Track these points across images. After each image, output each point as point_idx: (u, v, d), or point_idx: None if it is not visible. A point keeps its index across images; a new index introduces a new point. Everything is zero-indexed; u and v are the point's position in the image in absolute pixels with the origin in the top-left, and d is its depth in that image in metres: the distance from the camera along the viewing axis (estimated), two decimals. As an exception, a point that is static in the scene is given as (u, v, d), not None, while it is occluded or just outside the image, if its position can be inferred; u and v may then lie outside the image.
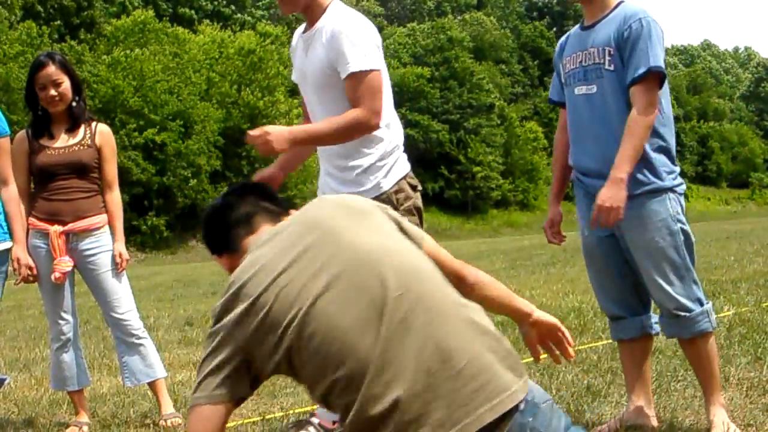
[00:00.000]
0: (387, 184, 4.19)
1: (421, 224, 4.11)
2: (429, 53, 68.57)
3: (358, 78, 4.04)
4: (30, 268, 5.21)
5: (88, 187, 5.38)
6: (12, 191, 5.08)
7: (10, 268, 5.14)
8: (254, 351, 2.54)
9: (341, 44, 4.05)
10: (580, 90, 4.18)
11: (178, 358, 7.73)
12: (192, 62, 49.67)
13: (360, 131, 4.07)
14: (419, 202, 4.32)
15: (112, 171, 5.48)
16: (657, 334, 4.34)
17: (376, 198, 3.99)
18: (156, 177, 44.85)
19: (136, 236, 43.26)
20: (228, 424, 4.79)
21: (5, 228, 4.97)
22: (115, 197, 5.49)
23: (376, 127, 4.09)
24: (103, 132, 5.48)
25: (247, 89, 50.66)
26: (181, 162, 45.89)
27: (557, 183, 4.61)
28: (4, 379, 5.18)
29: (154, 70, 46.74)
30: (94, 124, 5.49)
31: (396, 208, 3.97)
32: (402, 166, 4.27)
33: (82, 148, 5.35)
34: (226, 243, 2.87)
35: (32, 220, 5.32)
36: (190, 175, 46.24)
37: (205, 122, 47.48)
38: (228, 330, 2.56)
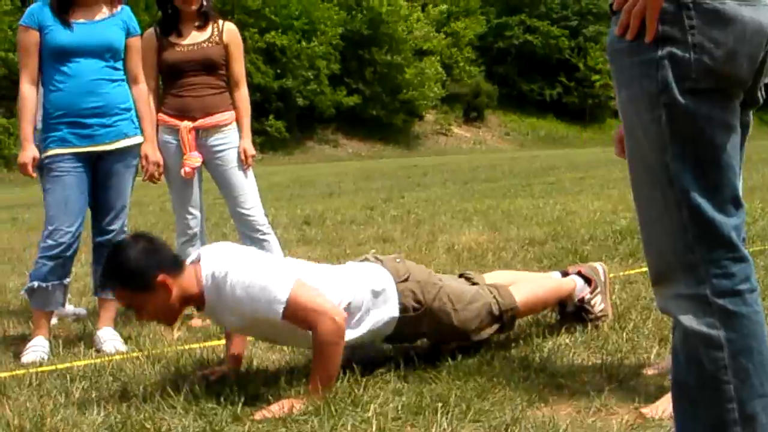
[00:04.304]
0: None
1: None
2: (550, -42, 66.94)
3: None
4: (158, 165, 5.24)
5: (217, 84, 5.46)
6: (142, 89, 5.13)
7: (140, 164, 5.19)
8: None
9: None
10: None
11: (297, 257, 7.75)
12: (312, -37, 49.40)
13: None
14: None
15: (239, 68, 5.56)
16: None
17: None
18: (276, 81, 45.04)
19: (254, 137, 43.51)
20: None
21: (137, 123, 5.05)
22: (242, 94, 5.58)
23: None
24: (230, 30, 5.54)
25: (368, -9, 50.34)
26: (302, 63, 45.96)
27: None
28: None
29: (273, -30, 46.64)
30: (221, 21, 5.55)
31: None
32: None
33: (210, 45, 5.42)
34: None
35: (162, 116, 5.42)
36: (311, 76, 46.33)
37: (326, 24, 47.35)
38: None
